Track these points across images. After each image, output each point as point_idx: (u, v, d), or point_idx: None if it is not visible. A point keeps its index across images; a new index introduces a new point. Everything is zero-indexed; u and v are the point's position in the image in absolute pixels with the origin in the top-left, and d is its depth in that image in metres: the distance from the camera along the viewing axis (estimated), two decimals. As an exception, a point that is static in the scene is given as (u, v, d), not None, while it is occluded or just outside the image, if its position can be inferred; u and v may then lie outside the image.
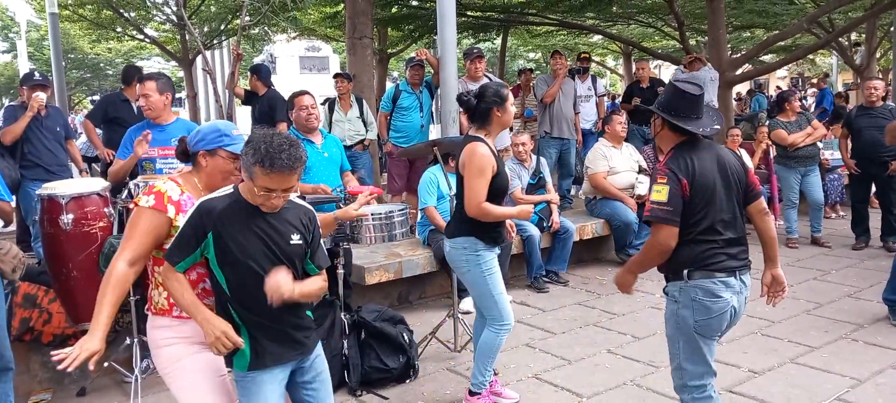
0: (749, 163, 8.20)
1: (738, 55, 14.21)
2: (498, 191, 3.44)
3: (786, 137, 7.10)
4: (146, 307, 2.58)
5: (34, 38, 25.53)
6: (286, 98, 6.71)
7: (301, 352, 2.48)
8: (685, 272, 2.80)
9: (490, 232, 3.49)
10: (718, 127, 2.89)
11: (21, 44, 22.78)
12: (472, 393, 3.67)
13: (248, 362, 2.38)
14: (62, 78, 10.39)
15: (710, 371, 2.92)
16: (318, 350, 2.60)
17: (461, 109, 3.67)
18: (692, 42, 16.01)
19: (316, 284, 2.48)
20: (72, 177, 5.66)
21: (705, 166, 2.77)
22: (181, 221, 2.43)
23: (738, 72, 11.40)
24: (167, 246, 2.41)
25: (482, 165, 3.34)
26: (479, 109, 3.45)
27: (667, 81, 9.85)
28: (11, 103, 5.94)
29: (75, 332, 4.05)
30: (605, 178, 6.59)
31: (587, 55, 9.24)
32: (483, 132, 3.47)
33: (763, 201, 3.04)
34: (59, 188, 3.73)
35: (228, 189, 2.39)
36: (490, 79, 6.74)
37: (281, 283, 2.26)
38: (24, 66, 19.92)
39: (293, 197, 2.49)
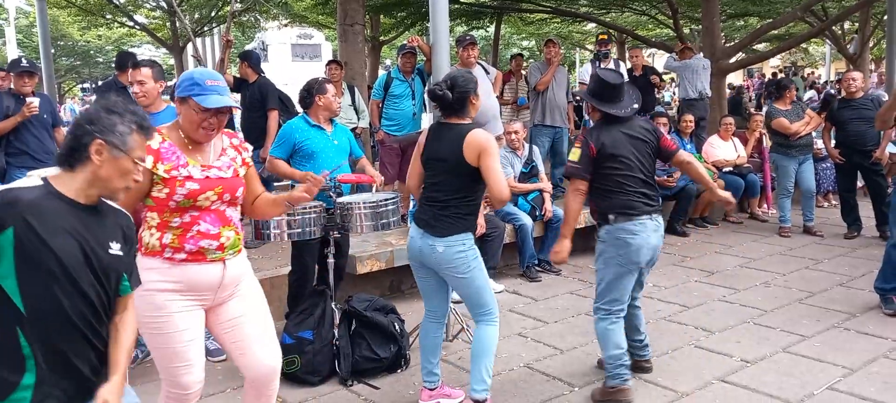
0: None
1: (732, 43, 14.19)
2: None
3: (788, 126, 7.08)
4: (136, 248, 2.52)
5: (23, 24, 25.30)
6: (277, 85, 6.68)
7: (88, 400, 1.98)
8: (610, 217, 3.56)
9: (473, 227, 3.36)
10: (636, 105, 3.64)
11: (10, 31, 22.55)
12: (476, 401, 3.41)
13: None
14: (51, 65, 10.29)
15: (621, 301, 3.62)
16: None
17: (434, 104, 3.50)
18: (686, 30, 15.99)
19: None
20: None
21: (616, 137, 3.54)
22: (161, 170, 2.54)
23: (732, 60, 11.39)
24: (152, 190, 2.52)
25: (497, 149, 3.25)
26: (456, 99, 3.27)
27: (660, 69, 9.87)
28: (-3, 91, 5.84)
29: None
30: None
31: (606, 37, 8.48)
32: (467, 120, 3.31)
33: (683, 153, 3.76)
34: (45, 175, 3.66)
35: (38, 180, 1.97)
36: (483, 67, 6.70)
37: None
38: (12, 53, 19.70)
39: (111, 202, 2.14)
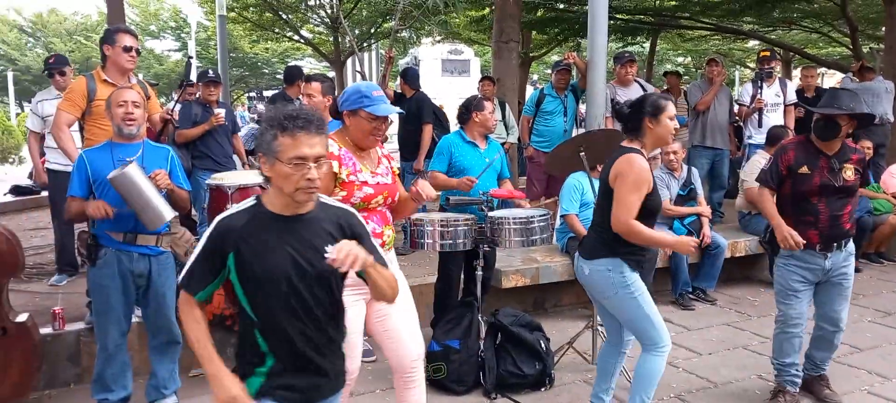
0: None
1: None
2: (650, 211, 3.13)
3: None
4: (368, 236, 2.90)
5: (201, 38, 27.68)
6: (431, 99, 6.88)
7: (322, 396, 2.19)
8: None
9: (634, 255, 3.17)
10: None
11: (191, 43, 24.81)
12: None
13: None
14: (226, 75, 11.21)
15: None
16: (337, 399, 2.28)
17: (607, 115, 3.48)
18: (865, 49, 14.74)
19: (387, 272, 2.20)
20: (236, 169, 6.07)
21: None
22: (343, 173, 2.82)
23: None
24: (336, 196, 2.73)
25: (639, 179, 3.04)
26: (631, 118, 3.20)
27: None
28: (187, 100, 6.43)
29: (231, 313, 4.33)
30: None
31: (768, 54, 7.69)
32: (637, 144, 3.19)
33: None
34: (227, 179, 4.00)
35: (249, 201, 2.15)
36: (640, 85, 6.54)
37: (353, 248, 1.98)
38: (193, 66, 21.62)
39: (327, 199, 2.27)
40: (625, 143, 3.24)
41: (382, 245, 2.89)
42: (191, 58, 7.45)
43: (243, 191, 3.89)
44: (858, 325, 5.23)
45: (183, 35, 29.21)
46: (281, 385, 2.10)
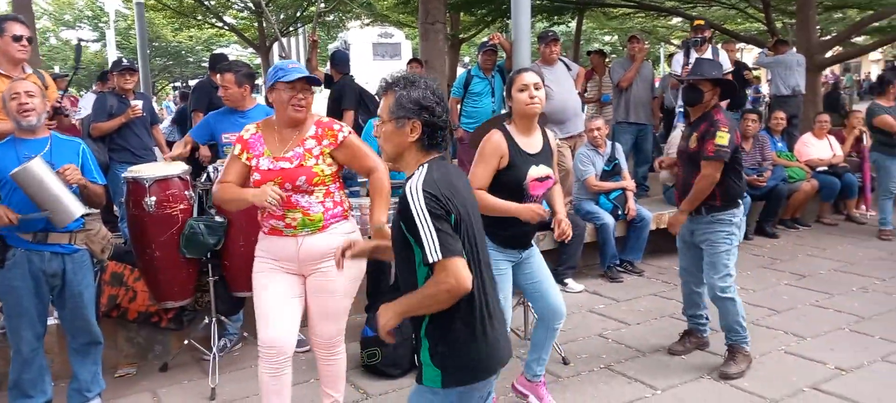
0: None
1: (829, 37, 13.51)
2: (506, 186, 3.18)
3: (893, 124, 6.69)
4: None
5: (121, 27, 26.64)
6: (359, 85, 6.79)
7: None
8: (739, 201, 3.86)
9: (499, 232, 3.18)
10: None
11: (110, 33, 23.84)
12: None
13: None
14: (147, 65, 10.84)
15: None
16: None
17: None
18: (778, 24, 15.32)
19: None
20: (156, 161, 5.88)
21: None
22: (244, 158, 2.98)
23: (828, 54, 10.85)
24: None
25: (485, 152, 3.17)
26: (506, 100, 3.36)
27: (750, 65, 9.48)
28: (101, 91, 6.19)
29: (158, 310, 4.21)
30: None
31: (702, 22, 7.69)
32: (507, 122, 3.29)
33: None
34: (144, 171, 3.86)
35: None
36: (565, 64, 6.62)
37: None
38: (112, 55, 20.82)
39: None
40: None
41: (289, 227, 2.96)
42: (81, 40, 7.14)
43: (162, 183, 3.77)
44: (776, 289, 5.47)
45: (101, 25, 28.02)
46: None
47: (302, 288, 3.08)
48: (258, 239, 3.10)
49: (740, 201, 3.93)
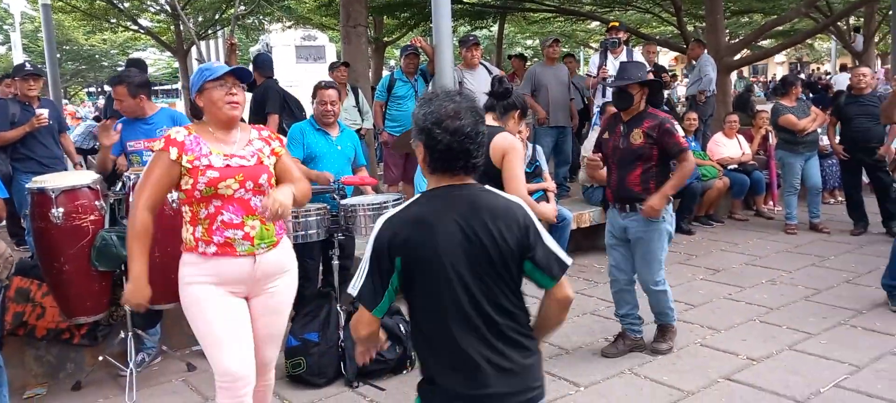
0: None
1: (737, 40, 14.14)
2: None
3: (796, 122, 7.05)
4: (180, 246, 2.74)
5: (29, 29, 25.38)
6: (283, 88, 6.68)
7: None
8: (670, 196, 4.06)
9: None
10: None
11: (15, 35, 22.63)
12: None
13: None
14: (56, 69, 10.32)
15: None
16: None
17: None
18: (690, 27, 15.94)
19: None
20: (66, 170, 5.62)
21: None
22: (184, 160, 2.62)
23: (737, 57, 11.35)
24: (181, 182, 2.64)
25: (521, 154, 3.39)
26: (504, 105, 3.55)
27: (666, 66, 9.81)
28: (1, 97, 5.87)
29: (69, 326, 4.02)
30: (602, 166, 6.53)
31: (617, 24, 7.92)
32: (500, 123, 3.53)
33: None
34: (50, 181, 3.68)
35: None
36: (486, 68, 6.70)
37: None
38: (18, 58, 19.79)
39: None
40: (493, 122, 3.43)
41: (247, 238, 2.68)
42: None
43: (69, 193, 3.61)
44: (691, 283, 5.68)
45: (6, 27, 26.58)
46: None
47: (247, 311, 2.81)
48: (188, 261, 2.70)
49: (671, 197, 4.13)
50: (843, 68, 8.63)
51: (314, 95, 4.52)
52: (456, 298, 1.91)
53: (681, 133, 4.00)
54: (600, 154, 4.26)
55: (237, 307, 2.74)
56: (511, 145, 3.28)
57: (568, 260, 2.05)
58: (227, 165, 2.66)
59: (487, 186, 2.03)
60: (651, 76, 4.24)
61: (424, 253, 1.89)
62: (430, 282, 1.91)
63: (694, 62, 9.45)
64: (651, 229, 4.04)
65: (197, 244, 2.67)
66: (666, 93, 9.89)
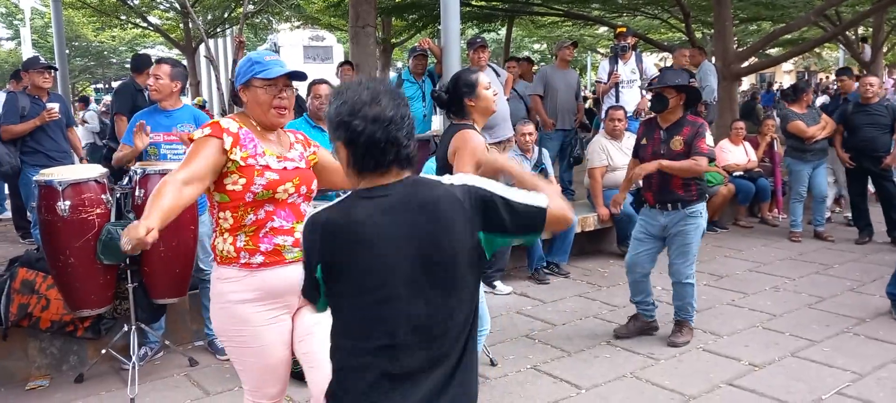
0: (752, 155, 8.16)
1: (744, 48, 14.12)
2: None
3: (805, 129, 7.04)
4: (211, 259, 2.55)
5: (38, 25, 25.50)
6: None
7: None
8: (705, 195, 4.35)
9: None
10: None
11: (25, 31, 22.76)
12: None
13: None
14: (65, 65, 10.36)
15: None
16: None
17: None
18: (698, 34, 15.93)
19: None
20: (73, 165, 5.65)
21: None
22: (238, 155, 2.32)
23: (744, 64, 11.33)
24: (226, 182, 2.31)
25: (474, 151, 3.03)
26: (452, 102, 3.24)
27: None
28: (12, 90, 5.91)
29: (73, 319, 4.04)
30: (603, 173, 6.55)
31: (624, 30, 7.71)
32: (467, 121, 3.21)
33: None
34: (57, 174, 3.70)
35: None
36: (494, 70, 6.71)
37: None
38: (28, 53, 19.90)
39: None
40: (455, 121, 3.25)
41: (296, 244, 2.38)
42: None
43: (76, 186, 3.62)
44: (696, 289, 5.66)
45: (15, 22, 26.72)
46: None
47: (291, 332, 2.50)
48: (227, 275, 2.38)
49: (706, 196, 4.47)
50: (842, 71, 8.58)
51: (309, 92, 4.57)
52: (402, 305, 1.67)
53: (709, 141, 4.25)
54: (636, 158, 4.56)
55: (285, 329, 2.45)
56: (462, 141, 3.07)
57: (542, 202, 1.74)
58: (284, 167, 2.41)
59: (423, 175, 1.78)
60: (694, 83, 4.45)
61: (358, 258, 1.66)
62: (368, 286, 1.68)
63: (695, 70, 9.42)
64: (690, 224, 4.30)
65: (238, 255, 2.35)
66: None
